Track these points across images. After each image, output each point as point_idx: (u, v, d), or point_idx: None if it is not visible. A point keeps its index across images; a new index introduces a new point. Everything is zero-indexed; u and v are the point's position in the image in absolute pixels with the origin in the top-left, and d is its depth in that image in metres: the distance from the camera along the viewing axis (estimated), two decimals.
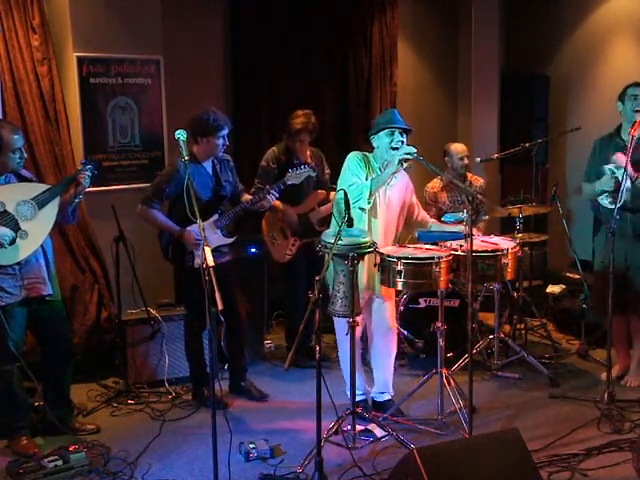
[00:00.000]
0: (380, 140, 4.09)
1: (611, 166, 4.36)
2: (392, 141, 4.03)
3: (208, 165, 4.37)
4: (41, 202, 3.81)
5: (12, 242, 3.70)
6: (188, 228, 4.25)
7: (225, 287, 4.43)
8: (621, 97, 4.51)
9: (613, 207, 4.22)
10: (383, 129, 4.06)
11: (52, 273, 3.98)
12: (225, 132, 4.28)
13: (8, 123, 4.08)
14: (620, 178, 4.22)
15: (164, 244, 4.41)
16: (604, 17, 6.43)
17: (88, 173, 3.95)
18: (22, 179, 3.93)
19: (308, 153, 5.09)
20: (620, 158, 4.30)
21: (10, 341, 3.75)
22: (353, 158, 4.12)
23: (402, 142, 4.04)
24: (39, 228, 3.81)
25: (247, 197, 4.54)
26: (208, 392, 4.45)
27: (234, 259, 4.56)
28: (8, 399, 3.89)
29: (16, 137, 3.79)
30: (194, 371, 4.58)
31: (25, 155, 3.90)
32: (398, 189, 4.22)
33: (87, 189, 3.99)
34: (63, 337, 4.09)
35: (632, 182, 4.24)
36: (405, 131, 4.09)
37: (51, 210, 3.85)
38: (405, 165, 3.95)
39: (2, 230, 3.68)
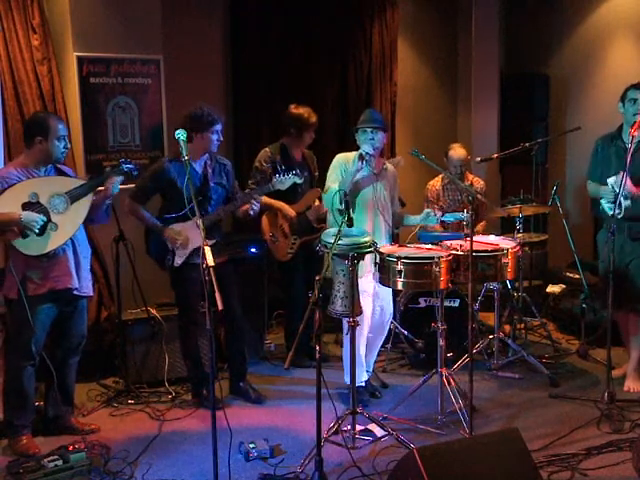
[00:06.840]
0: (359, 138, 4.36)
1: (613, 179, 4.30)
2: (365, 139, 4.30)
3: (198, 165, 4.35)
4: (74, 196, 3.82)
5: (42, 232, 3.70)
6: (170, 226, 4.25)
7: (219, 288, 4.43)
8: (622, 98, 4.45)
9: (611, 213, 4.26)
10: (359, 129, 4.35)
11: (82, 267, 3.96)
12: (219, 127, 4.28)
13: (52, 113, 4.12)
14: (618, 194, 4.20)
15: (148, 243, 4.42)
16: (604, 17, 6.43)
17: (118, 179, 3.94)
18: (61, 174, 3.95)
19: (300, 153, 5.10)
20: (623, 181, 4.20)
21: (33, 340, 3.77)
22: (335, 162, 4.43)
23: (372, 139, 4.27)
24: (69, 222, 3.81)
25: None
26: (207, 392, 4.45)
27: (228, 260, 4.52)
28: (17, 396, 3.89)
29: (61, 126, 3.84)
30: (191, 371, 4.57)
31: (69, 145, 3.93)
32: (388, 182, 4.45)
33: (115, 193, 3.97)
34: (81, 333, 4.10)
35: (632, 199, 4.24)
36: (380, 129, 4.32)
37: (83, 205, 3.86)
38: (363, 162, 4.21)
39: (32, 215, 3.67)
